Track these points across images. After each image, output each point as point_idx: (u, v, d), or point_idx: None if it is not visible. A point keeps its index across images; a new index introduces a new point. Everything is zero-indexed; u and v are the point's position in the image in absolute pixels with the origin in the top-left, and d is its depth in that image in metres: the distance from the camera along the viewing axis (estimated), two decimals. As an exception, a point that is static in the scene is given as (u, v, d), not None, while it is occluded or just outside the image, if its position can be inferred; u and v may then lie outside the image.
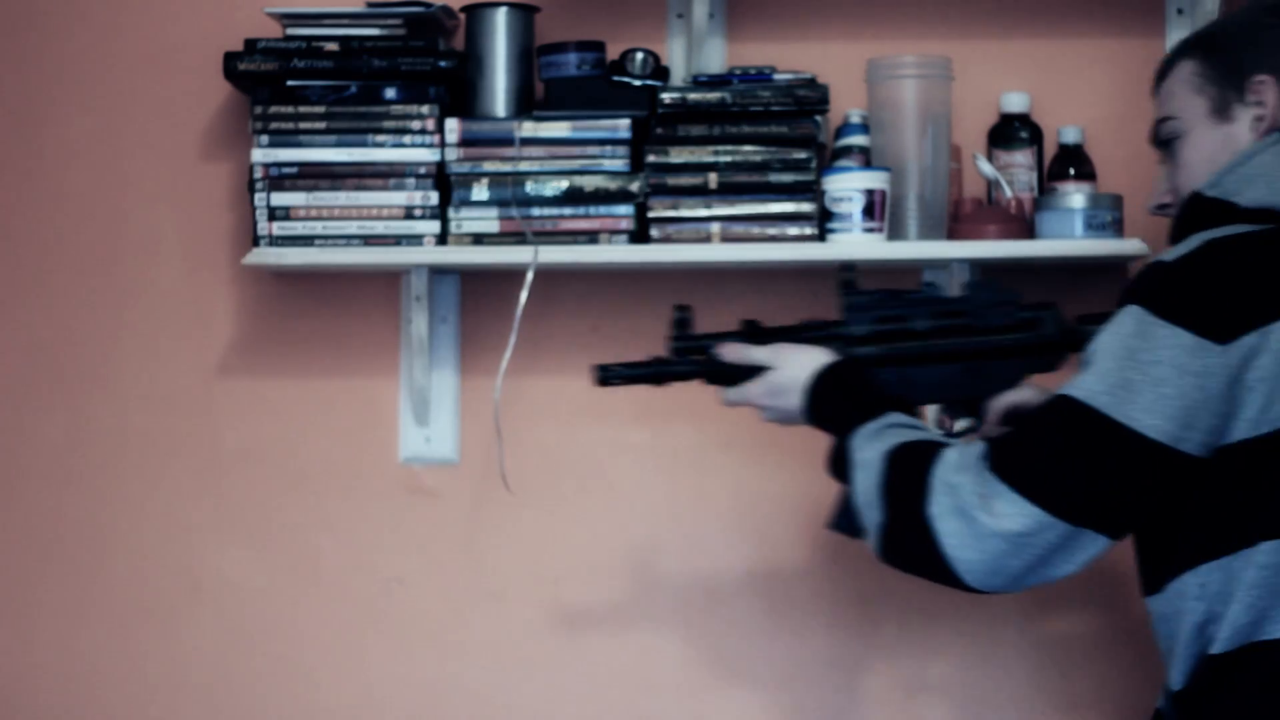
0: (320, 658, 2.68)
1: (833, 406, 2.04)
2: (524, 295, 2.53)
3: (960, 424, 2.16)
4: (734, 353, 2.11)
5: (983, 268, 2.54)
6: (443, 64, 2.54)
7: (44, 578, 2.70)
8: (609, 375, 2.17)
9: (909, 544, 1.88)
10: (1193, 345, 1.79)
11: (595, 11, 2.66)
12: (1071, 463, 1.81)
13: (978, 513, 1.82)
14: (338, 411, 2.69)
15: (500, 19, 2.56)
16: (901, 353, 2.10)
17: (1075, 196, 2.49)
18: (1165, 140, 2.04)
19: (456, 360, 2.68)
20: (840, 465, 2.01)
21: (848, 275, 2.14)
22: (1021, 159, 2.58)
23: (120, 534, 2.69)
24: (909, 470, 1.89)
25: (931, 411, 2.22)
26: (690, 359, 2.15)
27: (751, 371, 2.10)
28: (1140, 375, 1.80)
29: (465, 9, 2.58)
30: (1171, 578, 1.85)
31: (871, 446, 1.94)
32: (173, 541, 2.69)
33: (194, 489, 2.69)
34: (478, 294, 2.68)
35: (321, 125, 2.55)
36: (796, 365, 2.06)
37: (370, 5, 2.57)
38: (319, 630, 2.68)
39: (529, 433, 2.66)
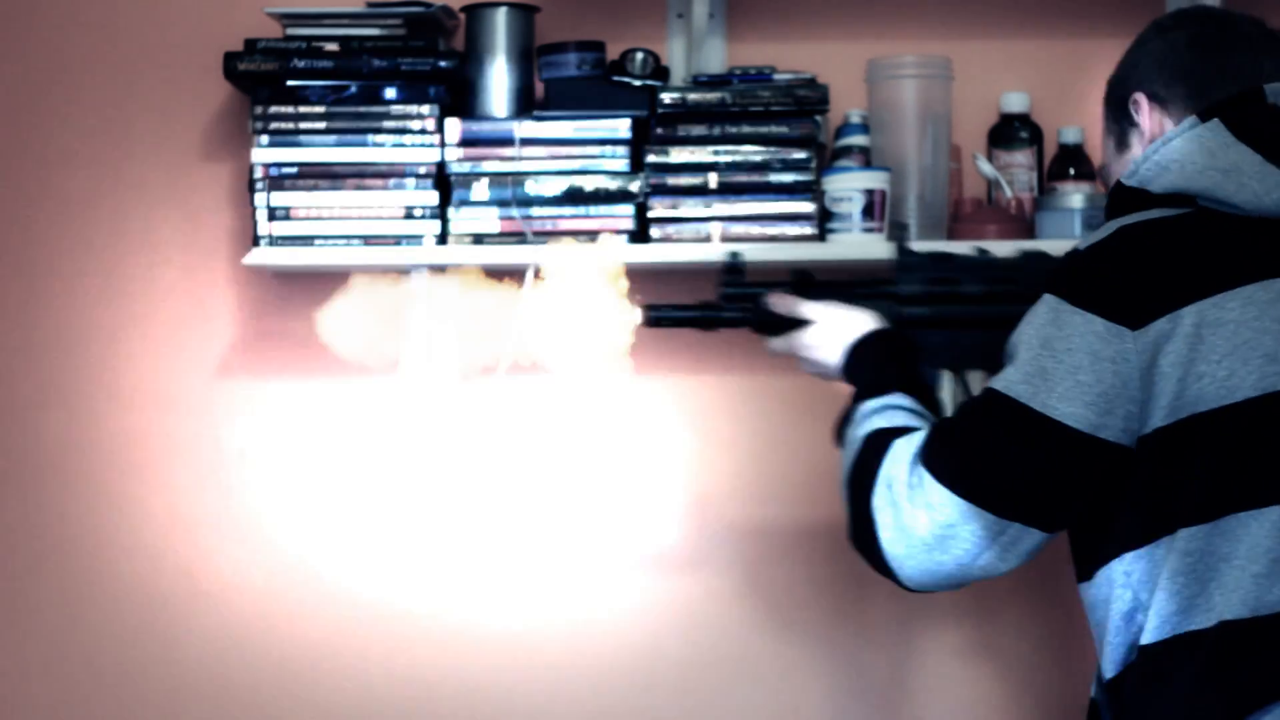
0: (320, 657, 2.68)
1: (866, 372, 2.04)
2: (524, 295, 2.53)
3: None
4: (784, 303, 2.12)
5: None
6: (443, 64, 2.53)
7: (44, 577, 2.70)
8: (658, 316, 2.17)
9: (860, 534, 1.90)
10: (1105, 331, 1.79)
11: (595, 11, 2.66)
12: (993, 454, 1.82)
13: (905, 504, 1.83)
14: (338, 411, 2.69)
15: (500, 19, 2.56)
16: (951, 316, 2.09)
17: (1075, 196, 2.49)
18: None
19: (456, 360, 2.68)
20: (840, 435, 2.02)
21: (901, 233, 2.13)
22: (1021, 159, 2.59)
23: (120, 533, 2.69)
24: (869, 459, 1.90)
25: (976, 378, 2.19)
26: (739, 305, 2.15)
27: (798, 324, 2.10)
28: (1056, 363, 1.80)
29: (465, 9, 2.58)
30: (1100, 565, 1.85)
31: (860, 426, 1.96)
32: (172, 541, 2.69)
33: (194, 489, 2.69)
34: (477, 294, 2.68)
35: (321, 125, 2.55)
36: (844, 325, 2.07)
37: (370, 5, 2.57)
38: (319, 630, 2.68)
39: (529, 432, 2.66)
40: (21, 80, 2.73)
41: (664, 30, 2.67)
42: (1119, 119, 2.00)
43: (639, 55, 2.54)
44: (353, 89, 2.55)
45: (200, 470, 2.69)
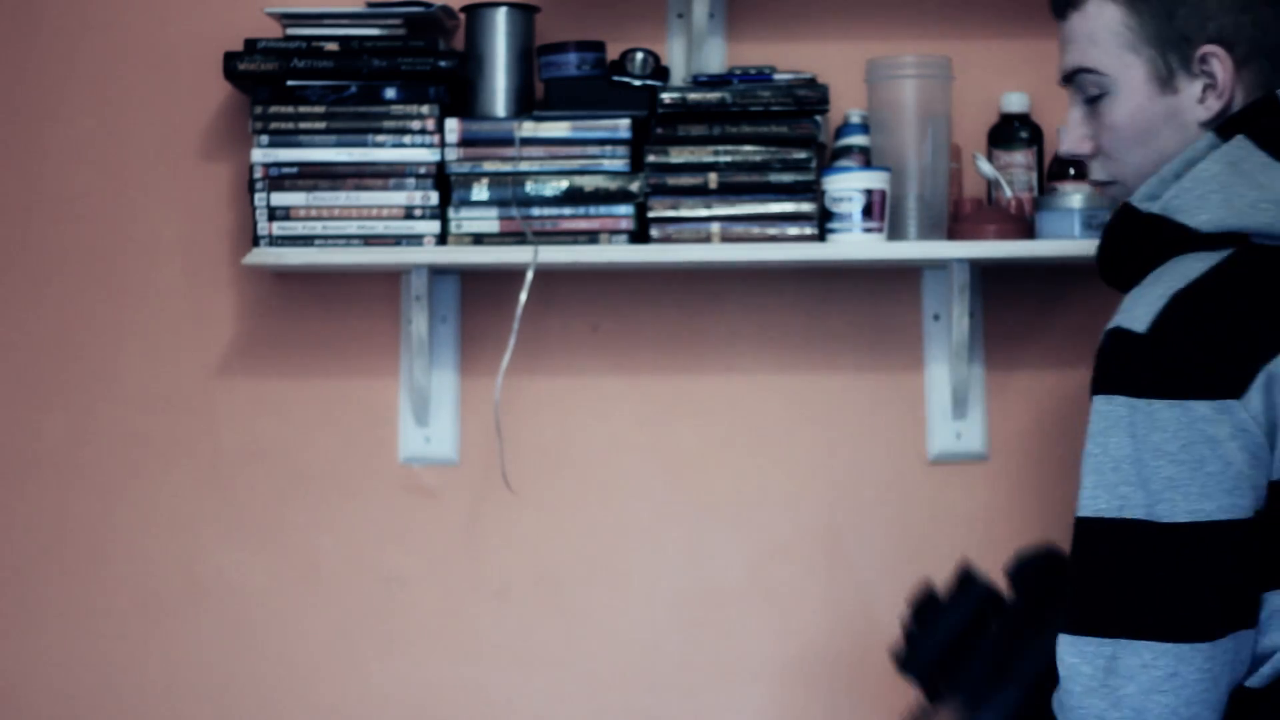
0: (321, 658, 2.68)
1: None
2: (524, 295, 2.53)
3: None
4: None
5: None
6: (443, 64, 2.54)
7: (45, 577, 2.70)
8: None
9: None
10: (1212, 413, 1.64)
11: (595, 11, 2.66)
12: (1177, 587, 1.64)
13: (1114, 682, 1.66)
14: (338, 411, 2.69)
15: (500, 19, 2.56)
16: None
17: (1075, 196, 2.49)
18: (1087, 94, 1.86)
19: (456, 360, 2.68)
20: None
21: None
22: (1021, 159, 2.59)
23: (120, 533, 2.69)
24: None
25: None
26: None
27: None
28: (1177, 467, 1.65)
29: (465, 9, 2.58)
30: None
31: None
32: (173, 541, 2.69)
33: (194, 489, 2.69)
34: (478, 294, 2.68)
35: (321, 125, 2.55)
36: None
37: (370, 5, 2.57)
38: (319, 630, 2.68)
39: (529, 433, 2.66)
40: (21, 80, 2.73)
41: (664, 30, 2.67)
42: (1164, 50, 1.79)
43: (639, 55, 2.54)
44: (353, 89, 2.55)
45: (200, 470, 2.70)
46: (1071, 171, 2.57)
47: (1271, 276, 1.71)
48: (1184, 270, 1.71)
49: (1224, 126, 1.78)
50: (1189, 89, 1.80)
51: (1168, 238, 1.75)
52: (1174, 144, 1.82)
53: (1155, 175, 1.79)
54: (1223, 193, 1.72)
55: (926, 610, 2.02)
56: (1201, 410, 1.64)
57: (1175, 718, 1.66)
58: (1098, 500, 1.69)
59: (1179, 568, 1.65)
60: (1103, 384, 1.69)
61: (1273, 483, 1.67)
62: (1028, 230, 2.52)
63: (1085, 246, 2.47)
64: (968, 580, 2.02)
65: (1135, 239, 1.78)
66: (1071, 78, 1.88)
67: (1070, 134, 1.90)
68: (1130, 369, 1.67)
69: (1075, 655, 1.68)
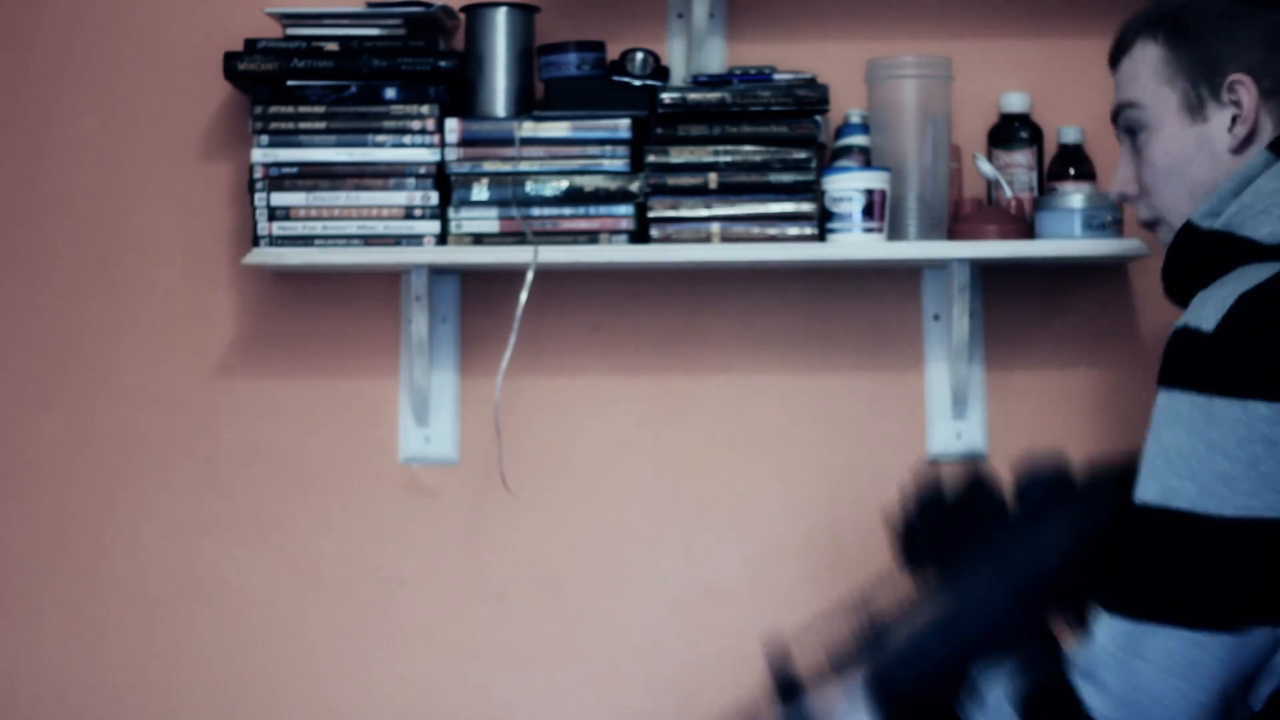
0: (320, 658, 2.68)
1: None
2: (524, 295, 2.53)
3: None
4: None
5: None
6: (443, 64, 2.54)
7: (44, 577, 2.70)
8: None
9: None
10: (1271, 414, 1.68)
11: (595, 11, 2.66)
12: (1211, 578, 1.69)
13: (1129, 681, 1.70)
14: (338, 411, 2.69)
15: (500, 19, 2.56)
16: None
17: (1075, 196, 2.49)
18: (1127, 127, 1.95)
19: (456, 360, 2.68)
20: None
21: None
22: (1021, 159, 2.59)
23: (120, 533, 2.69)
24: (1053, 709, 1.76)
25: None
26: None
27: None
28: (1231, 463, 1.69)
29: (465, 9, 2.58)
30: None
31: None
32: (172, 541, 2.69)
33: (194, 489, 2.69)
34: (478, 294, 2.68)
35: (321, 125, 2.55)
36: None
37: (370, 5, 2.57)
38: (319, 630, 2.68)
39: (529, 433, 2.66)
40: (21, 80, 2.73)
41: (664, 30, 2.67)
42: (1196, 82, 1.88)
43: (639, 55, 2.54)
44: (353, 89, 2.55)
45: (200, 470, 2.70)
46: (1071, 171, 2.57)
47: None
48: (1252, 275, 1.75)
49: (1277, 143, 1.84)
50: (1218, 117, 1.88)
51: (1231, 250, 1.80)
52: (1206, 174, 1.90)
53: (1214, 194, 1.84)
54: None
55: (932, 505, 2.04)
56: (1261, 410, 1.69)
57: (1186, 703, 1.70)
58: (1148, 490, 1.74)
59: (1217, 560, 1.69)
60: (1166, 379, 1.74)
61: None
62: (1028, 230, 2.52)
63: (1085, 246, 2.47)
64: (977, 486, 2.03)
65: (1198, 256, 1.83)
66: (1117, 116, 1.97)
67: (1119, 175, 2.00)
68: (1194, 366, 1.72)
69: (1102, 631, 1.73)
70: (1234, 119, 1.87)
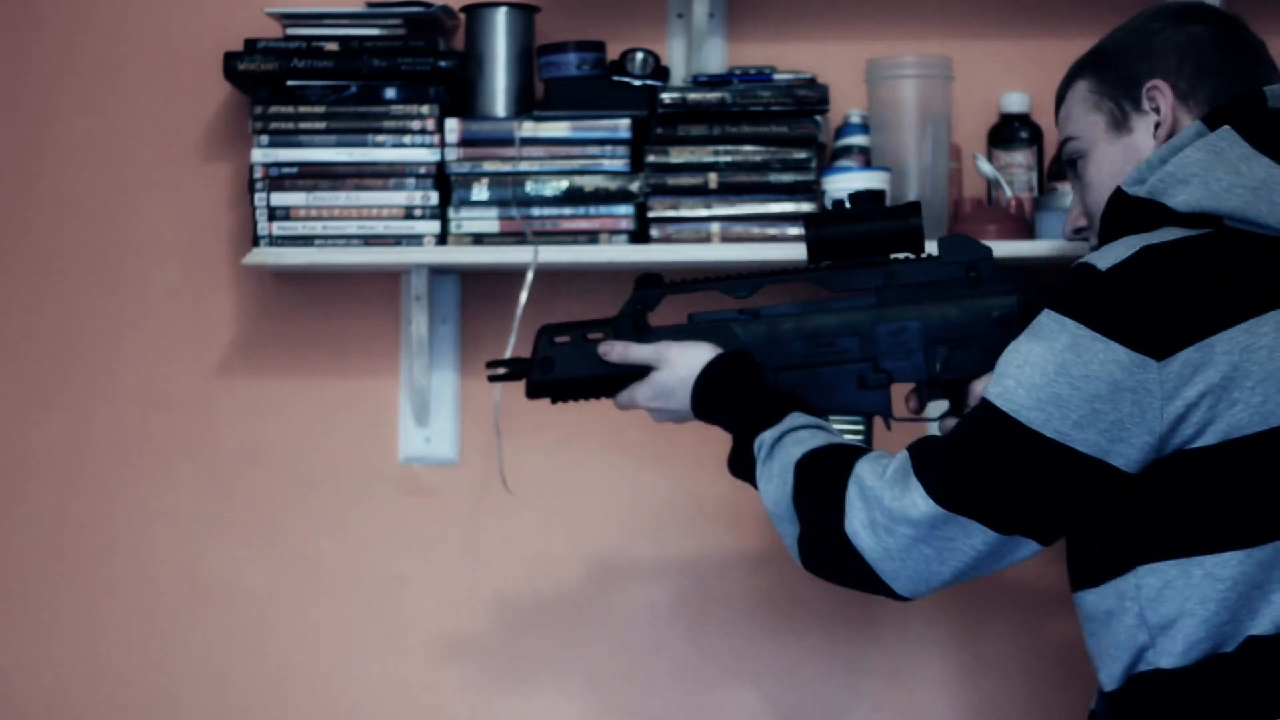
0: (320, 658, 2.68)
1: (722, 408, 2.01)
2: (524, 295, 2.53)
3: (935, 408, 2.09)
4: (614, 352, 2.09)
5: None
6: (443, 64, 2.54)
7: (45, 577, 2.70)
8: (495, 378, 2.18)
9: (830, 557, 1.88)
10: (1128, 361, 1.75)
11: (595, 11, 2.66)
12: (1002, 478, 1.79)
13: (900, 525, 1.81)
14: (338, 411, 2.69)
15: (500, 19, 2.56)
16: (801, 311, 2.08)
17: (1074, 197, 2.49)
18: (1070, 161, 2.03)
19: (456, 360, 2.68)
20: (743, 469, 1.99)
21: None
22: (1021, 159, 2.59)
23: (120, 533, 2.69)
24: (825, 483, 1.87)
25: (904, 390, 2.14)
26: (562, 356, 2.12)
27: (637, 372, 2.08)
28: (1073, 390, 1.76)
29: (465, 9, 2.58)
30: (1112, 575, 1.83)
31: (777, 457, 1.93)
32: (173, 541, 2.69)
33: (194, 489, 2.69)
34: (478, 294, 2.68)
35: (321, 125, 2.55)
36: (682, 364, 2.04)
37: (370, 5, 2.57)
38: (319, 630, 2.68)
39: (529, 433, 2.66)
40: (21, 80, 2.73)
41: (664, 30, 2.67)
42: (1118, 98, 1.96)
43: (639, 55, 2.54)
44: (353, 89, 2.55)
45: (200, 470, 2.70)
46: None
47: (1236, 259, 1.80)
48: (1161, 234, 1.83)
49: (1211, 116, 1.89)
50: (1141, 126, 1.95)
51: (1151, 217, 1.86)
52: None
53: (1142, 162, 1.90)
54: (1202, 176, 1.83)
55: (868, 201, 2.11)
56: (1120, 354, 1.76)
57: (958, 580, 1.84)
58: (992, 386, 1.82)
59: (1015, 466, 1.78)
60: (1052, 302, 1.82)
61: (1168, 456, 1.77)
62: (1028, 230, 2.52)
63: (1085, 246, 2.46)
64: (916, 230, 2.08)
65: (1125, 222, 1.89)
66: (1062, 156, 2.05)
67: (1069, 213, 2.08)
68: (1077, 296, 1.80)
69: (912, 498, 1.82)
70: (1156, 125, 1.94)
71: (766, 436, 1.95)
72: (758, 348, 2.08)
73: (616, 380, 2.11)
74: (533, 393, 2.16)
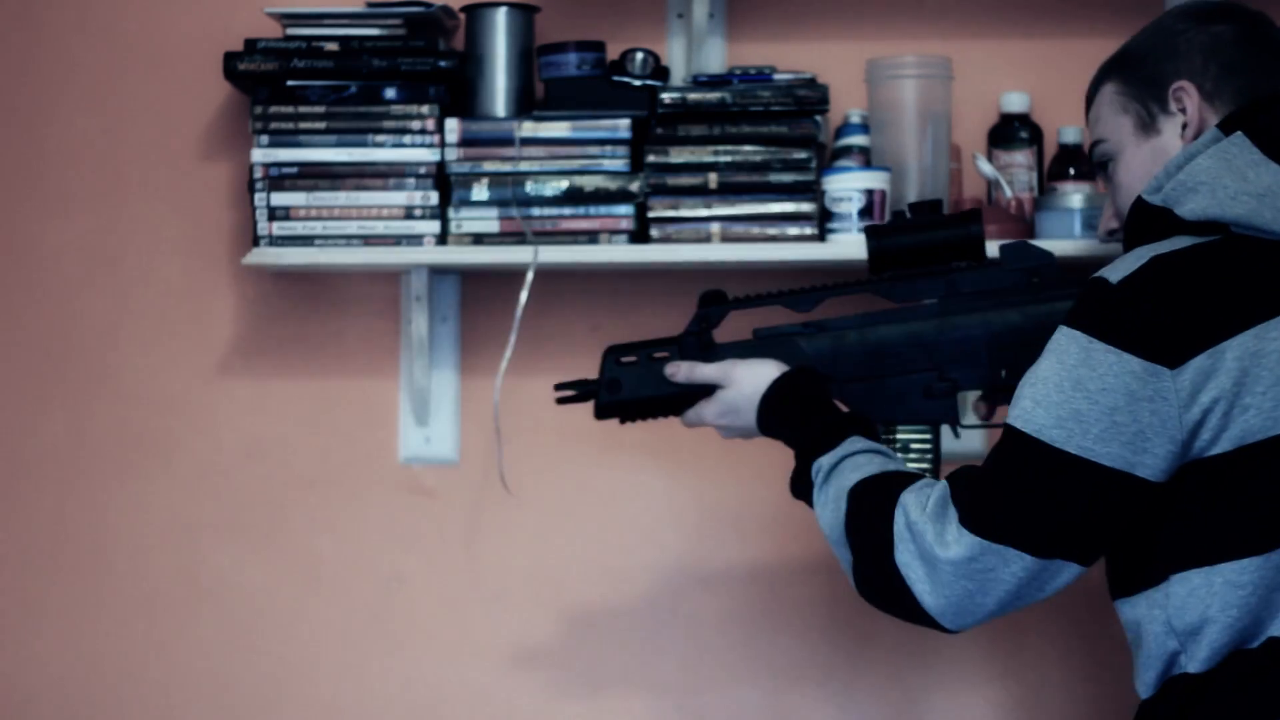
0: (320, 657, 2.68)
1: (789, 426, 2.02)
2: (524, 295, 2.53)
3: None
4: (680, 373, 2.11)
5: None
6: (443, 64, 2.54)
7: (44, 577, 2.70)
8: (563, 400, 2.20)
9: (882, 587, 1.87)
10: (1142, 371, 1.76)
11: (595, 11, 2.66)
12: (1033, 501, 1.79)
13: (941, 559, 1.81)
14: (338, 411, 2.69)
15: (500, 19, 2.56)
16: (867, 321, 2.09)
17: (1075, 196, 2.49)
18: (1101, 163, 2.03)
19: (456, 360, 2.68)
20: (802, 492, 2.00)
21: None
22: (1021, 159, 2.59)
23: (120, 533, 2.69)
24: (873, 513, 1.87)
25: (971, 397, 2.15)
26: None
27: (704, 391, 2.10)
28: (1091, 404, 1.77)
29: (465, 9, 2.58)
30: (1145, 586, 1.83)
31: (833, 482, 1.93)
32: (172, 541, 2.69)
33: (194, 489, 2.69)
34: (478, 294, 2.68)
35: (321, 125, 2.55)
36: (748, 382, 2.06)
37: (370, 5, 2.57)
38: (319, 630, 2.68)
39: (529, 433, 2.66)
40: (21, 80, 2.73)
41: (664, 30, 2.67)
42: (1145, 100, 1.96)
43: (639, 55, 2.54)
44: (353, 89, 2.55)
45: (200, 470, 2.70)
46: (1071, 171, 2.57)
47: (1244, 266, 1.81)
48: (1170, 244, 1.83)
49: (1226, 122, 1.90)
50: (1169, 127, 1.96)
51: (1165, 225, 1.87)
52: None
53: (1161, 170, 1.90)
54: (1210, 184, 1.84)
55: (927, 211, 2.11)
56: (1133, 364, 1.77)
57: (1004, 610, 1.83)
58: (1012, 409, 1.83)
59: (1045, 487, 1.79)
60: (1067, 318, 1.83)
61: (1188, 464, 1.79)
62: (1028, 230, 2.52)
63: (1085, 246, 2.47)
64: (977, 237, 2.08)
65: (1143, 230, 1.90)
66: (1093, 159, 2.06)
67: (1102, 216, 2.08)
68: (1090, 310, 1.81)
69: (953, 539, 1.81)
70: (1184, 126, 1.94)
71: (824, 461, 1.96)
72: (822, 361, 2.08)
73: (683, 399, 2.12)
74: (601, 414, 2.17)
